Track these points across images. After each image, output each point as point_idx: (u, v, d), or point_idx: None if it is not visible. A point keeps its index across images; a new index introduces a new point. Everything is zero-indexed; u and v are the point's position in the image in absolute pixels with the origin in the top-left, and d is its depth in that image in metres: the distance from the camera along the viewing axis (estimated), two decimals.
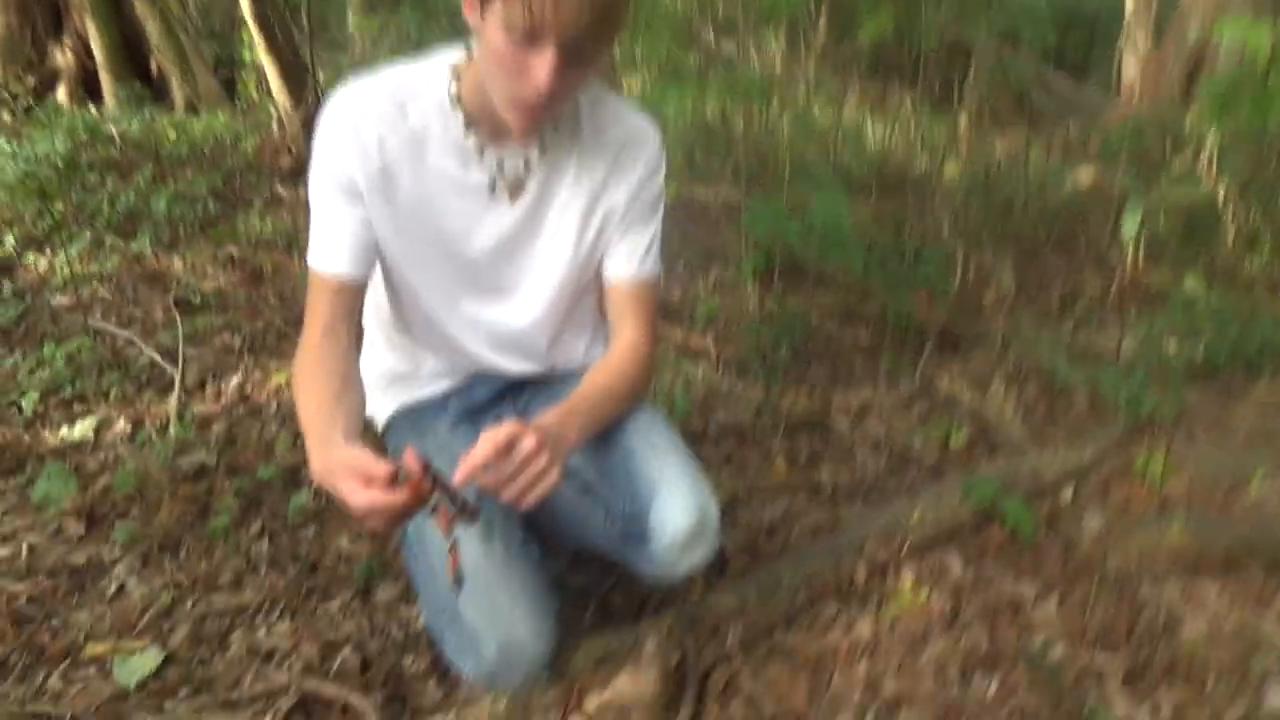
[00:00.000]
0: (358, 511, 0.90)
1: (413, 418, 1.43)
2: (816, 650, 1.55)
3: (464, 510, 1.01)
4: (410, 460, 0.93)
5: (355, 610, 1.60)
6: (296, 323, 2.86)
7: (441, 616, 1.30)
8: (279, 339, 2.78)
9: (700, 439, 2.53)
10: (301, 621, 1.54)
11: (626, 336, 1.27)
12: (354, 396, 1.13)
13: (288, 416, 2.31)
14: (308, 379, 1.12)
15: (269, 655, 1.46)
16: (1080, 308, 3.32)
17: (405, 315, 1.34)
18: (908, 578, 1.73)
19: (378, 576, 1.73)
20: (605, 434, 1.35)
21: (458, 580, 1.03)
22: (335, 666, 1.45)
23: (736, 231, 3.23)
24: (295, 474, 2.05)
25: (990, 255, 3.60)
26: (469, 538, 1.26)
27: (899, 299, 3.10)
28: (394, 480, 0.90)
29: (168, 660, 1.41)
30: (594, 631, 1.58)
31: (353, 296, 1.20)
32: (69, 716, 1.30)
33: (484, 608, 1.25)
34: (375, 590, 1.70)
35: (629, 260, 1.29)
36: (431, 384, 1.46)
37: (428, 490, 0.92)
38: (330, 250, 1.19)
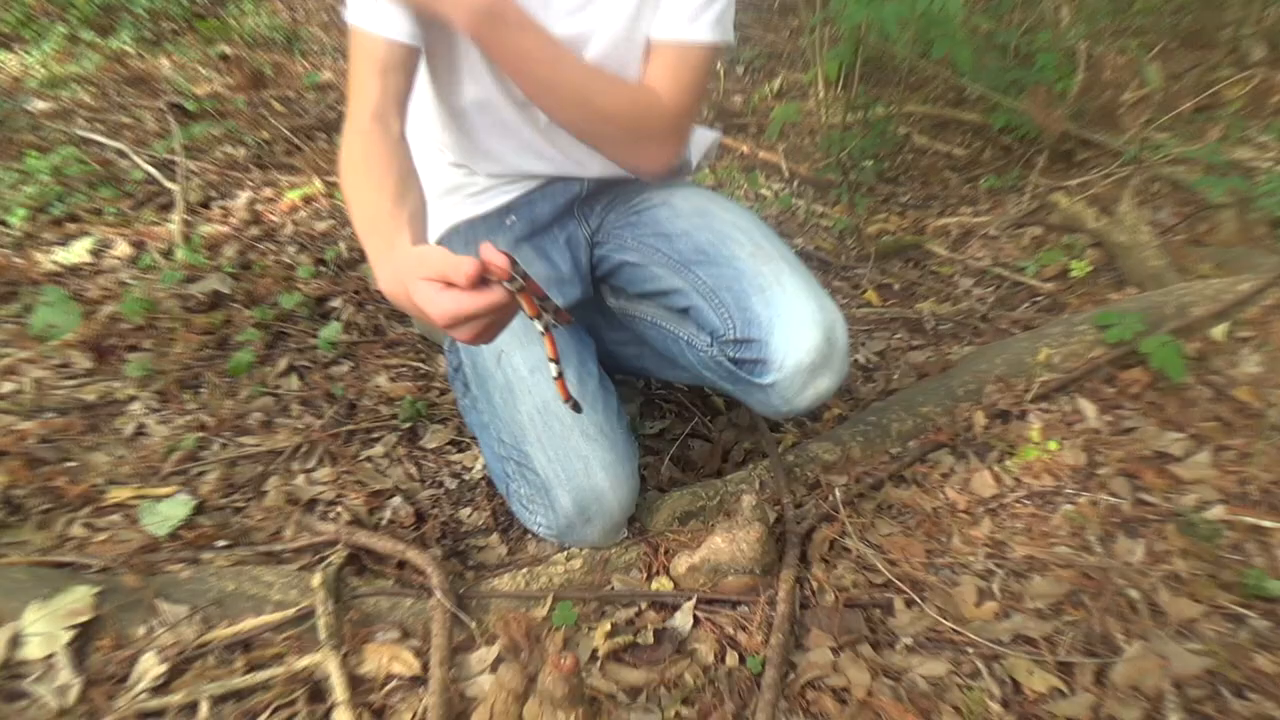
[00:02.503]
0: (442, 320, 0.84)
1: (467, 235, 1.36)
2: (931, 507, 1.48)
3: (554, 312, 0.96)
4: (490, 254, 0.85)
5: (401, 456, 1.62)
6: (307, 133, 2.69)
7: (507, 464, 1.28)
8: (288, 152, 2.64)
9: None
10: (343, 468, 1.57)
11: (657, 89, 1.23)
12: (417, 194, 1.03)
13: (307, 240, 2.21)
14: (360, 175, 1.02)
15: (310, 504, 1.46)
16: (1223, 112, 3.01)
17: (459, 99, 1.24)
18: (1034, 426, 1.63)
19: (424, 418, 1.69)
20: (701, 244, 1.30)
21: (575, 407, 1.01)
22: (385, 518, 1.45)
23: (814, 25, 2.96)
24: (322, 304, 1.99)
25: (1118, 50, 3.24)
26: (541, 367, 1.25)
27: (1008, 102, 2.85)
28: (480, 278, 0.85)
29: (199, 508, 1.41)
30: (676, 485, 1.54)
31: (406, 71, 1.10)
32: (98, 567, 1.25)
33: (557, 453, 1.22)
34: (422, 434, 1.66)
35: (676, 17, 1.19)
36: (489, 195, 1.39)
37: (517, 288, 0.87)
38: (381, 5, 1.07)
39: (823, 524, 1.43)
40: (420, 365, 1.83)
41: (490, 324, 0.87)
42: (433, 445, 1.63)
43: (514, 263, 0.86)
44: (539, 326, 0.91)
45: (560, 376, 0.98)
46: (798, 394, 1.22)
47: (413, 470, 1.57)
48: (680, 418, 1.75)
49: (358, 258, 2.17)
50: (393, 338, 1.91)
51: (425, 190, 1.31)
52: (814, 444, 1.58)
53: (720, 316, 1.25)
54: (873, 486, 1.51)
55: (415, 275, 0.84)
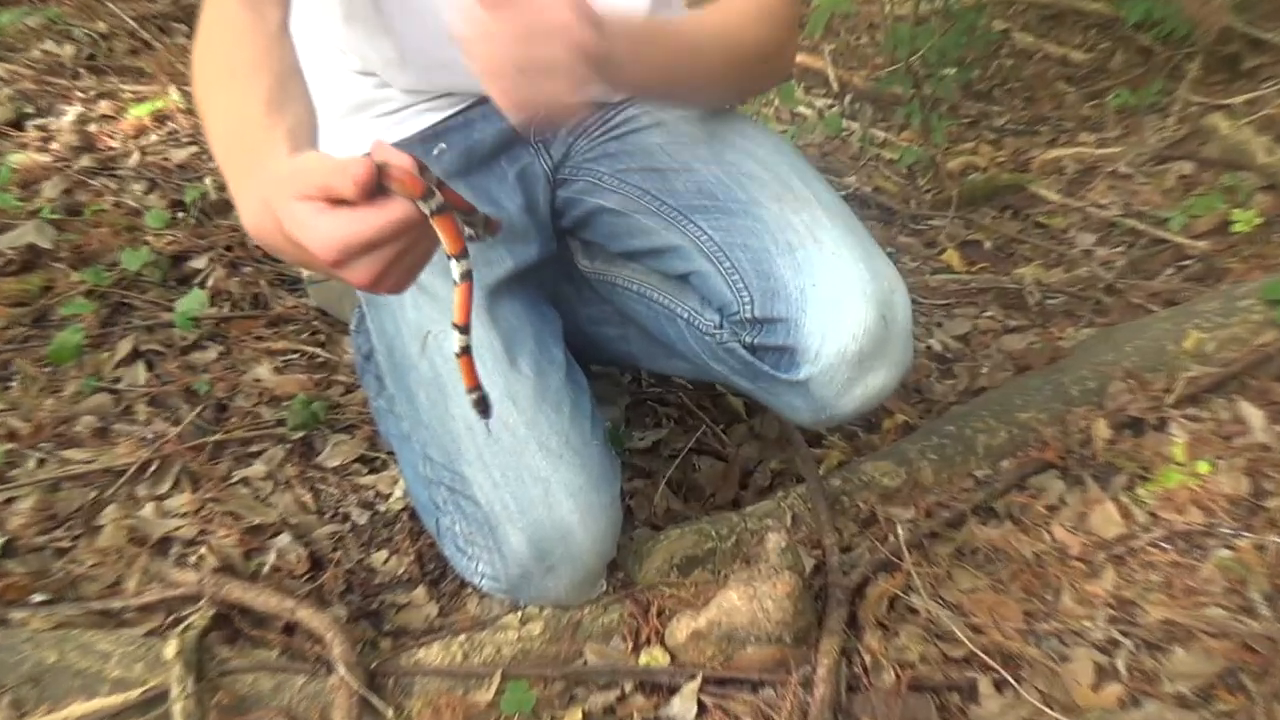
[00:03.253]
0: (327, 252, 0.85)
1: None
2: (1032, 552, 1.49)
3: (484, 224, 0.97)
4: (387, 153, 0.86)
5: (291, 478, 1.62)
6: (160, 24, 2.69)
7: (436, 490, 1.28)
8: (134, 51, 2.65)
9: None
10: (209, 494, 1.58)
11: None
12: (302, 104, 1.04)
13: (159, 175, 2.20)
14: (221, 76, 1.03)
15: (163, 544, 1.47)
16: None
17: None
18: (1178, 440, 1.64)
19: (323, 425, 1.69)
20: (707, 183, 1.32)
21: (481, 404, 1.00)
22: (268, 564, 1.47)
23: None
24: (180, 264, 1.99)
25: None
26: (485, 351, 1.25)
27: None
28: (374, 186, 0.84)
29: (7, 549, 1.42)
30: (676, 520, 1.54)
31: None
32: None
33: (506, 475, 1.22)
34: (319, 447, 1.67)
35: None
36: (409, 115, 1.40)
37: (433, 208, 0.87)
38: None
39: (880, 575, 1.44)
40: (317, 351, 1.83)
41: (397, 257, 0.86)
42: (334, 463, 1.64)
43: (422, 167, 0.86)
44: (455, 272, 0.90)
45: (466, 353, 0.98)
46: (840, 395, 1.23)
47: (306, 498, 1.57)
48: (682, 426, 1.75)
49: (228, 200, 2.18)
50: (279, 312, 1.91)
51: (319, 109, 1.31)
52: (869, 464, 1.59)
53: (733, 286, 1.26)
54: (950, 523, 1.52)
55: (287, 195, 0.84)
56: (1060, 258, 2.33)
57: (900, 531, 1.49)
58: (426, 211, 0.85)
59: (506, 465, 1.22)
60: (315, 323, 1.90)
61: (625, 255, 1.39)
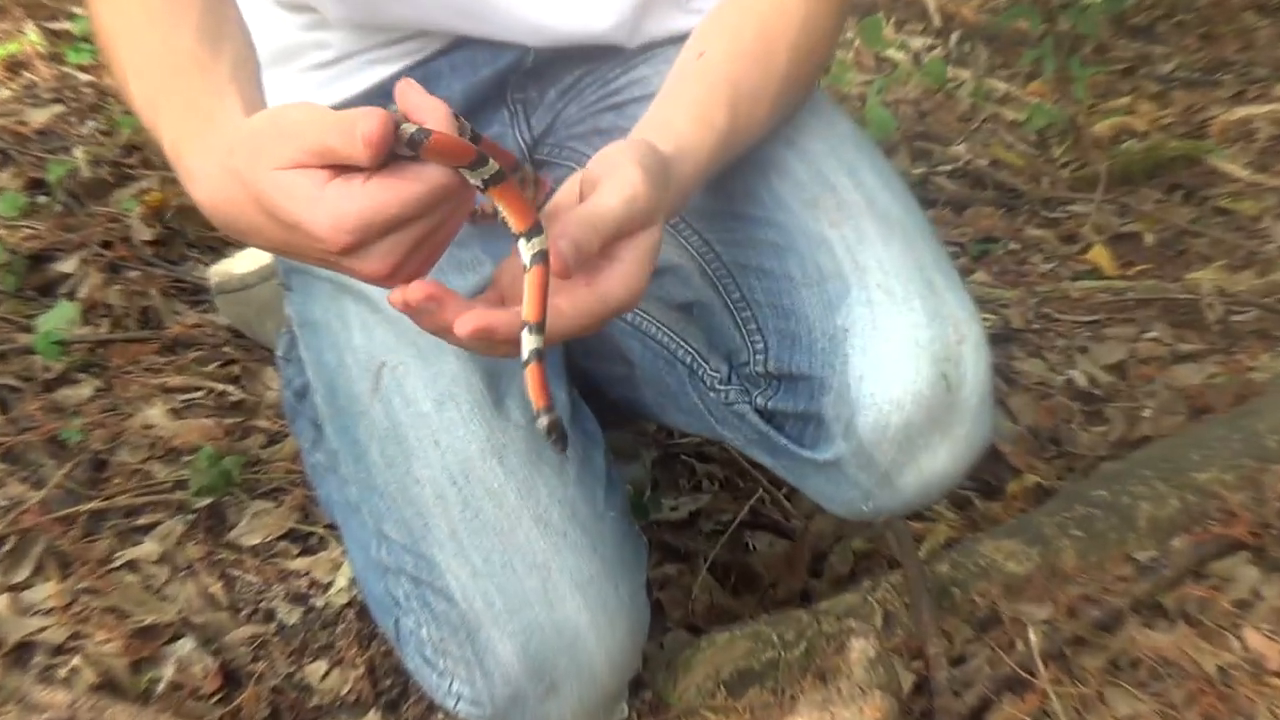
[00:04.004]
0: (343, 236, 0.87)
1: None
2: (1216, 666, 1.50)
3: (534, 182, 1.00)
4: (415, 97, 0.88)
5: (195, 561, 1.64)
6: None
7: (395, 581, 1.30)
8: None
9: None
10: (84, 582, 1.58)
11: None
12: (237, 34, 1.07)
13: (14, 145, 2.24)
14: (135, 8, 1.06)
15: (22, 653, 1.47)
16: None
17: None
18: None
19: (238, 488, 1.72)
20: (727, 183, 1.32)
21: (554, 431, 1.00)
22: (164, 680, 1.47)
23: None
24: (42, 266, 2.02)
25: None
26: (459, 389, 1.26)
27: None
28: (386, 144, 0.85)
29: None
30: (723, 620, 1.56)
31: None
32: None
33: (490, 560, 1.24)
34: (233, 519, 1.69)
35: None
36: (351, 67, 1.42)
37: (472, 158, 0.89)
38: None
39: (1004, 696, 1.44)
40: (229, 388, 1.85)
41: (426, 236, 0.89)
42: (253, 540, 1.65)
43: (457, 118, 0.89)
44: (525, 255, 0.92)
45: (539, 359, 0.97)
46: (885, 482, 1.25)
47: (216, 588, 1.59)
48: (731, 489, 1.76)
49: (108, 178, 2.21)
50: (177, 333, 1.93)
51: None
52: (988, 543, 1.60)
53: (742, 326, 1.28)
54: (1101, 625, 1.53)
55: (270, 161, 0.87)
56: (1250, 257, 2.34)
57: (1033, 637, 1.49)
58: (478, 184, 0.88)
59: (491, 547, 1.23)
60: (227, 347, 1.93)
61: None
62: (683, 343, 1.35)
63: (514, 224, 0.91)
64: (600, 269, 0.97)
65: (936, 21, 2.95)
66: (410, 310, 0.90)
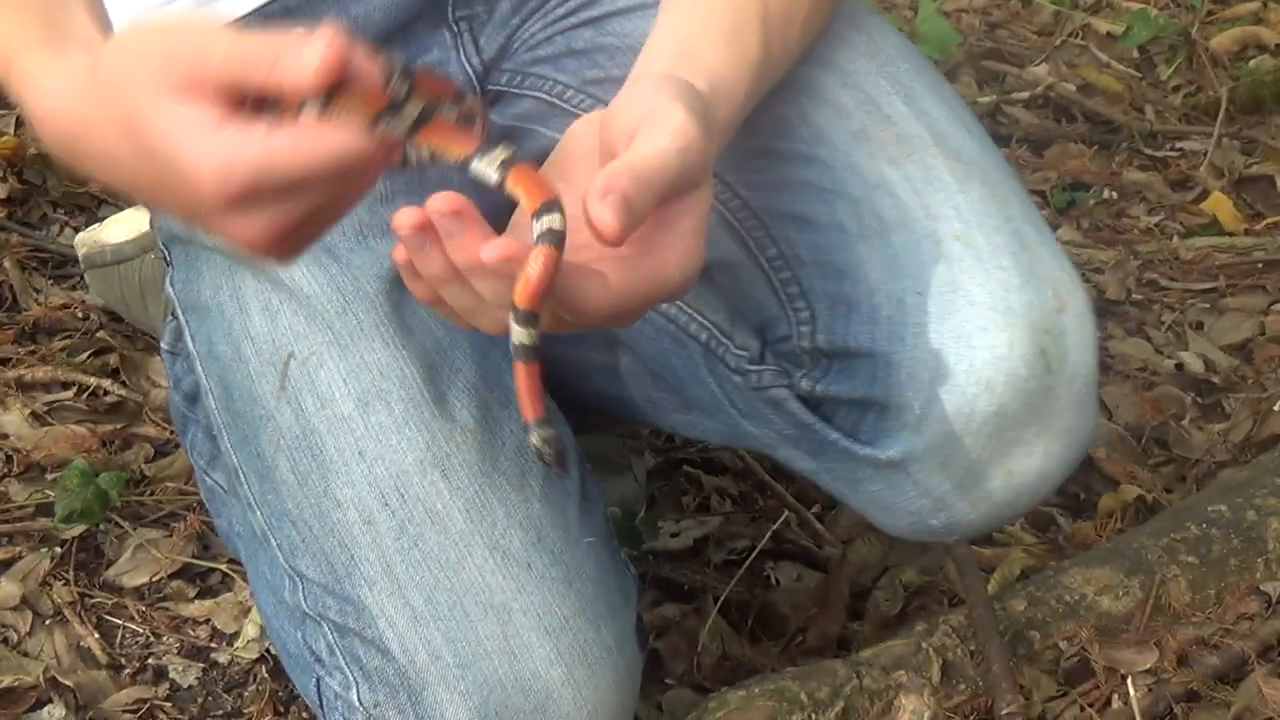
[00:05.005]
0: (228, 188, 0.86)
1: None
2: None
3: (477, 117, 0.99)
4: (333, 40, 0.86)
5: (63, 607, 1.65)
6: None
7: (315, 630, 1.31)
8: None
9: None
10: None
11: None
12: None
13: None
14: None
15: None
16: None
17: None
18: None
19: (116, 513, 1.72)
20: (751, 115, 1.29)
21: (550, 448, 1.02)
22: None
23: None
24: None
25: None
26: (391, 383, 1.27)
27: None
28: (337, 72, 0.86)
29: None
30: (739, 672, 1.56)
31: None
32: None
33: (436, 602, 1.25)
34: (111, 553, 1.70)
35: None
36: None
37: (395, 95, 0.91)
38: None
39: None
40: (104, 383, 1.87)
41: (327, 205, 0.92)
42: (139, 580, 1.67)
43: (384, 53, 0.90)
44: (535, 230, 0.93)
45: (531, 357, 0.98)
46: (967, 487, 1.26)
47: (90, 640, 1.60)
48: (747, 508, 1.77)
49: None
50: (38, 315, 1.95)
51: None
52: (1076, 572, 1.61)
53: (781, 291, 1.29)
54: (1219, 675, 1.54)
55: (154, 82, 0.87)
56: None
57: (1133, 692, 1.50)
58: (493, 173, 0.92)
59: (435, 585, 1.24)
60: (101, 333, 1.94)
61: None
62: (696, 315, 1.35)
63: (526, 204, 0.93)
64: (651, 240, 0.98)
65: None
66: (426, 233, 0.93)
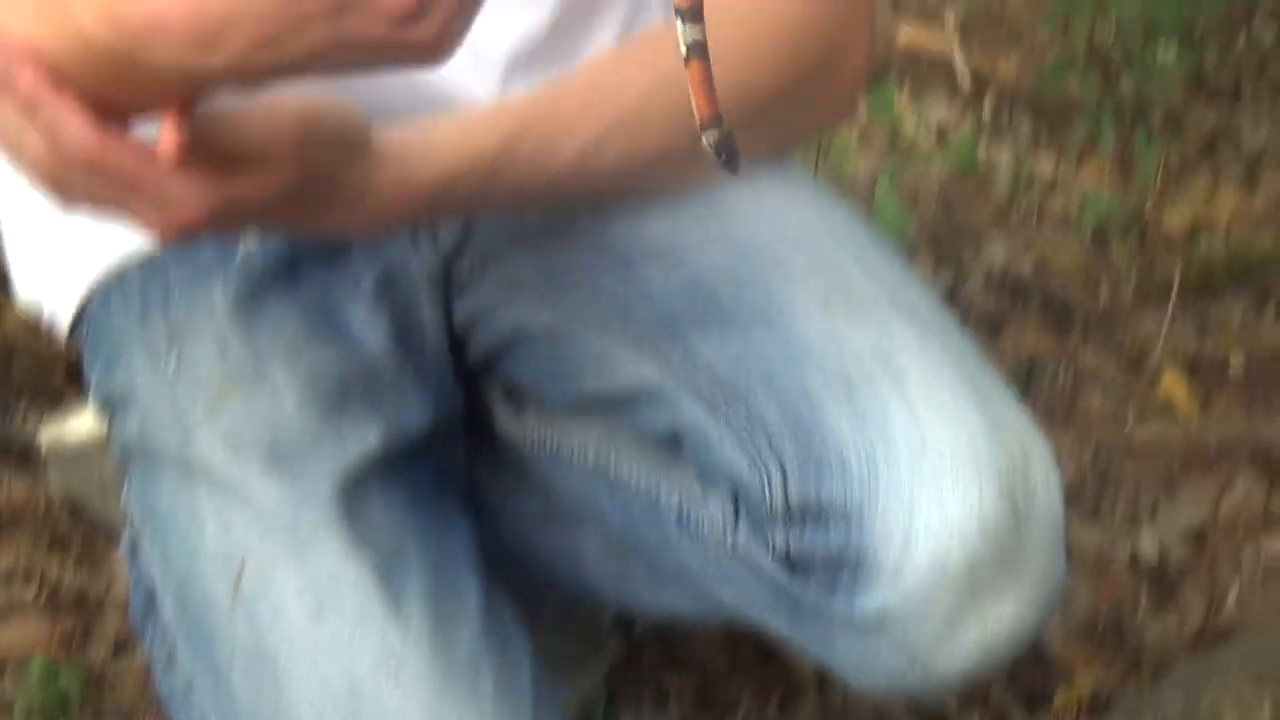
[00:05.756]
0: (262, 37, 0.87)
1: (151, 286, 1.43)
2: None
3: None
4: None
5: None
6: None
7: None
8: None
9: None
10: None
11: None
12: None
13: None
14: None
15: None
16: None
17: None
18: None
19: (77, 711, 1.72)
20: (703, 276, 1.36)
21: (723, 147, 1.06)
22: None
23: None
24: None
25: None
26: (345, 587, 1.27)
27: None
28: None
29: None
30: None
31: None
32: None
33: None
34: None
35: None
36: None
37: None
38: None
39: None
40: (67, 578, 1.88)
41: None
42: None
43: None
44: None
45: (703, 56, 1.04)
46: (939, 641, 1.24)
47: None
48: (706, 706, 1.76)
49: None
50: None
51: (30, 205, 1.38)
52: None
53: (753, 452, 1.29)
54: None
55: None
56: None
57: None
58: None
59: None
60: (63, 526, 1.95)
61: (573, 406, 1.43)
62: (668, 482, 1.37)
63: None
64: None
65: (966, 85, 3.00)
66: None
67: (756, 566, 1.30)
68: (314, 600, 1.27)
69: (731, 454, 1.29)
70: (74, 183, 1.01)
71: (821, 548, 1.24)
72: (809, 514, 1.25)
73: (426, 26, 0.89)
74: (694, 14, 0.97)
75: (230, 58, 0.90)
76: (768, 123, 1.35)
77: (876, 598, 1.22)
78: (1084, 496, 2.18)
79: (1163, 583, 2.02)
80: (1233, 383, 2.41)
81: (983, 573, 1.21)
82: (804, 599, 1.28)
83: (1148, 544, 2.08)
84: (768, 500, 1.26)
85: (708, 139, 1.03)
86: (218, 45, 0.88)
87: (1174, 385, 2.39)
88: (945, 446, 1.21)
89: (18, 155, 1.01)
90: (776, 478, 1.26)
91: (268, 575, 1.29)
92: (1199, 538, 2.10)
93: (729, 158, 1.03)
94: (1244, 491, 2.18)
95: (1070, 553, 2.01)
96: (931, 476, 1.21)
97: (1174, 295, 2.53)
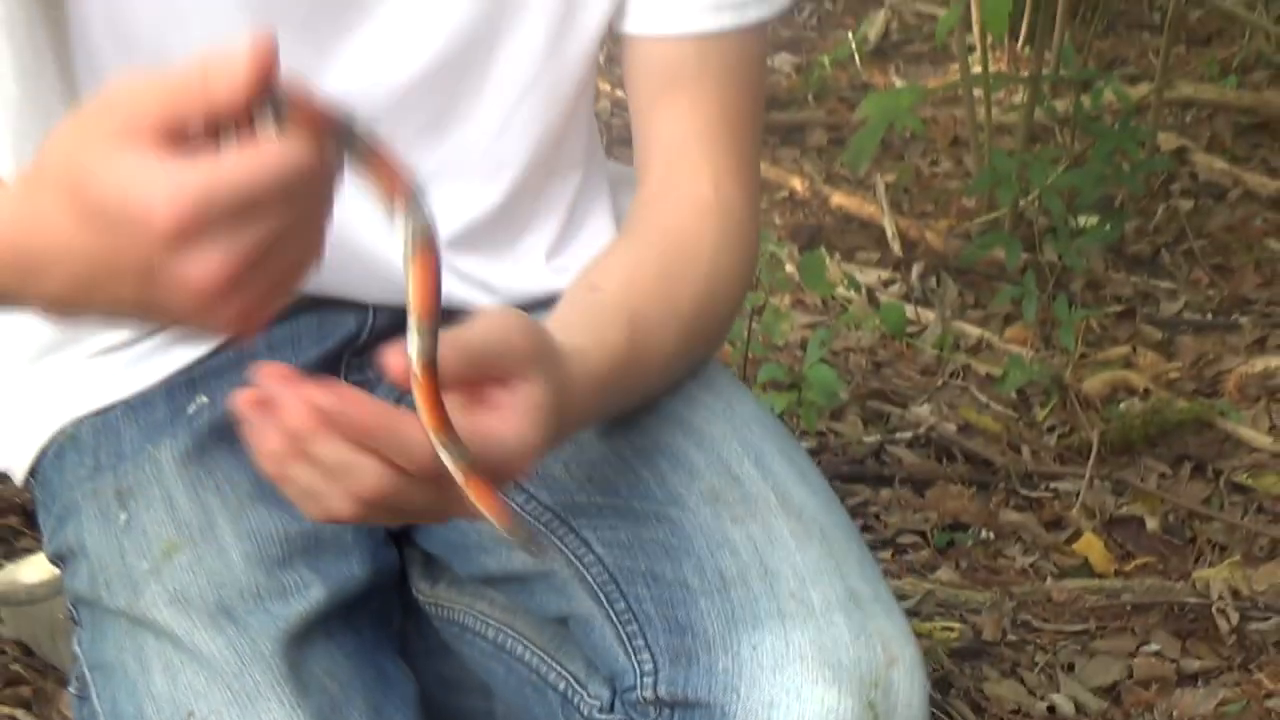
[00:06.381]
0: (179, 211, 0.83)
1: (102, 445, 1.45)
2: None
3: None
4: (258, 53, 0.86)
5: None
6: None
7: None
8: None
9: (857, 481, 2.60)
10: None
11: (691, 181, 1.41)
12: None
13: None
14: None
15: None
16: None
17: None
18: None
19: None
20: (599, 464, 1.39)
21: (519, 533, 1.04)
22: None
23: None
24: None
25: None
26: None
27: None
28: (266, 78, 0.85)
29: None
30: None
31: None
32: None
33: None
34: None
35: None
36: (149, 349, 1.48)
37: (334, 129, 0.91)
38: None
39: None
40: (18, 715, 1.88)
41: (282, 235, 0.90)
42: None
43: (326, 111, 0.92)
44: (405, 231, 0.94)
45: (432, 368, 0.98)
46: None
47: None
48: None
49: None
50: None
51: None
52: None
53: (628, 643, 1.31)
54: None
55: (93, 140, 0.88)
56: (1273, 548, 2.40)
57: None
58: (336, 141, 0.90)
59: None
60: (15, 666, 1.95)
61: (479, 580, 1.47)
62: (556, 665, 1.39)
63: (377, 188, 0.94)
64: (480, 411, 1.02)
65: (895, 249, 3.04)
66: (261, 409, 0.93)
67: None
68: None
69: (611, 644, 1.31)
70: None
71: None
72: (676, 707, 1.27)
73: (228, 310, 0.88)
74: (454, 442, 0.98)
75: (47, 292, 0.91)
76: (705, 338, 1.42)
77: None
78: (1003, 653, 2.21)
79: None
80: (1147, 542, 2.45)
81: None
82: None
83: (1064, 699, 2.11)
84: (639, 691, 1.28)
85: (518, 543, 1.06)
86: (38, 277, 0.90)
87: (1091, 545, 2.42)
88: (808, 650, 1.23)
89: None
90: (649, 670, 1.28)
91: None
92: (1114, 694, 2.12)
93: (537, 549, 1.08)
94: (1157, 649, 2.21)
95: (985, 711, 2.08)
96: (791, 679, 1.23)
97: (1092, 456, 2.56)
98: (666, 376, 1.36)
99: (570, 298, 1.31)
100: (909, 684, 1.27)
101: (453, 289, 1.45)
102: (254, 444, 0.96)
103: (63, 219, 0.88)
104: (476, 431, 0.99)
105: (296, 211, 0.87)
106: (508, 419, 1.02)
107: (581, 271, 1.36)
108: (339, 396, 0.93)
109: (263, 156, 0.84)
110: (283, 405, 0.93)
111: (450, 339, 0.99)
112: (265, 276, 0.88)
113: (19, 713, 1.89)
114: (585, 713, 1.35)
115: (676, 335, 1.34)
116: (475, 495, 0.98)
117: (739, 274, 1.42)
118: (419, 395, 0.96)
